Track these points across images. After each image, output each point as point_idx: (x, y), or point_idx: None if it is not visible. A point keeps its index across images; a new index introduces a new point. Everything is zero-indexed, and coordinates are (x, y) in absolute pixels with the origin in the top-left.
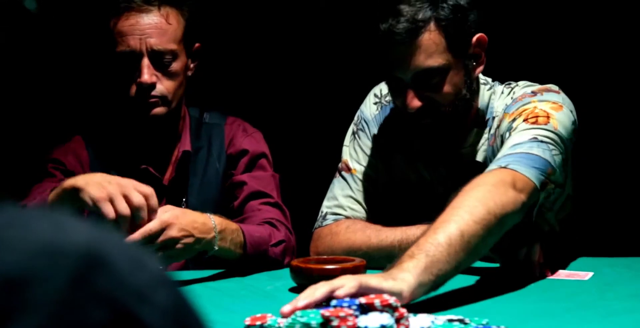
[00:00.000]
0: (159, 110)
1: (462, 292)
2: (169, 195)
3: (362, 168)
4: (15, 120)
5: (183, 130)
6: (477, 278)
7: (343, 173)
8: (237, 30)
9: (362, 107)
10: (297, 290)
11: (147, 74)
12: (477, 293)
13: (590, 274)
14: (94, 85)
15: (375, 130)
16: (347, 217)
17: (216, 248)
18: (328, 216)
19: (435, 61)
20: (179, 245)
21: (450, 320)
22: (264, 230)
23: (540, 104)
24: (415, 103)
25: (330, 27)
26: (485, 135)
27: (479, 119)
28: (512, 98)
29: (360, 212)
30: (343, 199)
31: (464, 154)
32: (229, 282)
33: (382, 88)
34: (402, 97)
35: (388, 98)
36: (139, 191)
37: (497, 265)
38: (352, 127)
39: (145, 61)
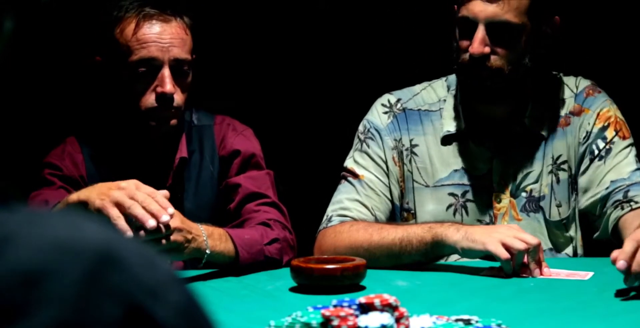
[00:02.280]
0: (174, 121)
1: (463, 292)
2: (172, 202)
3: (372, 176)
4: (11, 120)
5: (180, 137)
6: (477, 278)
7: (350, 179)
8: (235, 29)
9: (369, 117)
10: (298, 290)
11: (170, 84)
12: (477, 293)
13: (591, 274)
14: (95, 89)
15: (389, 138)
16: (353, 219)
17: (208, 251)
18: (333, 218)
19: (514, 17)
20: (178, 237)
21: (458, 320)
22: (255, 232)
23: (613, 110)
24: (482, 47)
25: (330, 28)
26: (548, 113)
27: (537, 93)
28: (572, 86)
29: (367, 215)
30: (349, 202)
31: (528, 125)
32: (229, 282)
33: (389, 98)
34: (469, 41)
35: (399, 106)
36: (143, 192)
37: (498, 264)
38: (358, 137)
39: (167, 71)
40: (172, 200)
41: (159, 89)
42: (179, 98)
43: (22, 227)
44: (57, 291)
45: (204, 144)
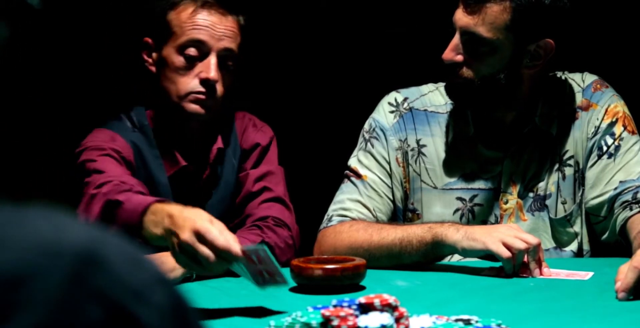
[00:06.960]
0: (212, 111)
1: (463, 292)
2: (204, 194)
3: (375, 177)
4: (23, 119)
5: (218, 129)
6: (477, 278)
7: (352, 179)
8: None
9: (375, 116)
10: (298, 290)
11: (215, 71)
12: (477, 293)
13: (591, 274)
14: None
15: (394, 139)
16: (352, 220)
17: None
18: (334, 218)
19: (486, 32)
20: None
21: (458, 320)
22: (255, 238)
23: (621, 105)
24: (452, 55)
25: (331, 27)
26: (557, 111)
27: (545, 92)
28: (579, 80)
29: (368, 217)
30: (350, 203)
31: (538, 123)
32: (229, 282)
33: (396, 96)
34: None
35: (406, 105)
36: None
37: (499, 264)
38: (363, 136)
39: (214, 59)
40: (206, 193)
41: (203, 75)
42: (220, 89)
43: (4, 228)
44: (38, 294)
45: (228, 137)
